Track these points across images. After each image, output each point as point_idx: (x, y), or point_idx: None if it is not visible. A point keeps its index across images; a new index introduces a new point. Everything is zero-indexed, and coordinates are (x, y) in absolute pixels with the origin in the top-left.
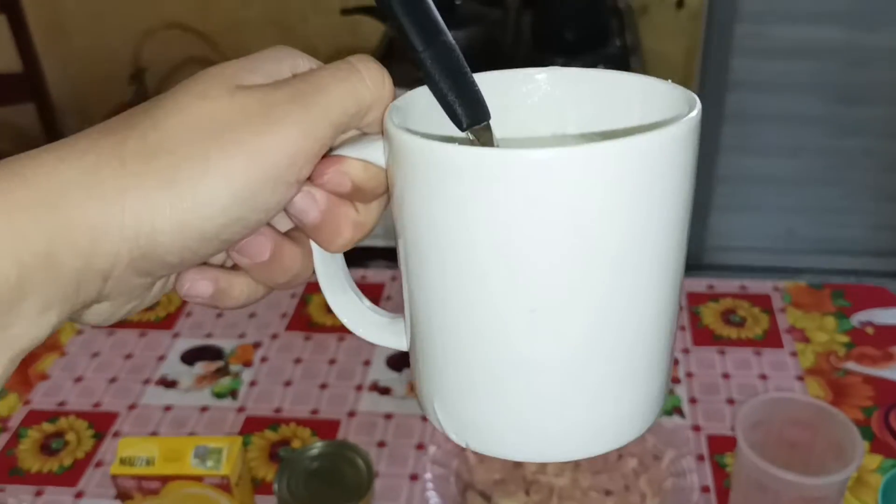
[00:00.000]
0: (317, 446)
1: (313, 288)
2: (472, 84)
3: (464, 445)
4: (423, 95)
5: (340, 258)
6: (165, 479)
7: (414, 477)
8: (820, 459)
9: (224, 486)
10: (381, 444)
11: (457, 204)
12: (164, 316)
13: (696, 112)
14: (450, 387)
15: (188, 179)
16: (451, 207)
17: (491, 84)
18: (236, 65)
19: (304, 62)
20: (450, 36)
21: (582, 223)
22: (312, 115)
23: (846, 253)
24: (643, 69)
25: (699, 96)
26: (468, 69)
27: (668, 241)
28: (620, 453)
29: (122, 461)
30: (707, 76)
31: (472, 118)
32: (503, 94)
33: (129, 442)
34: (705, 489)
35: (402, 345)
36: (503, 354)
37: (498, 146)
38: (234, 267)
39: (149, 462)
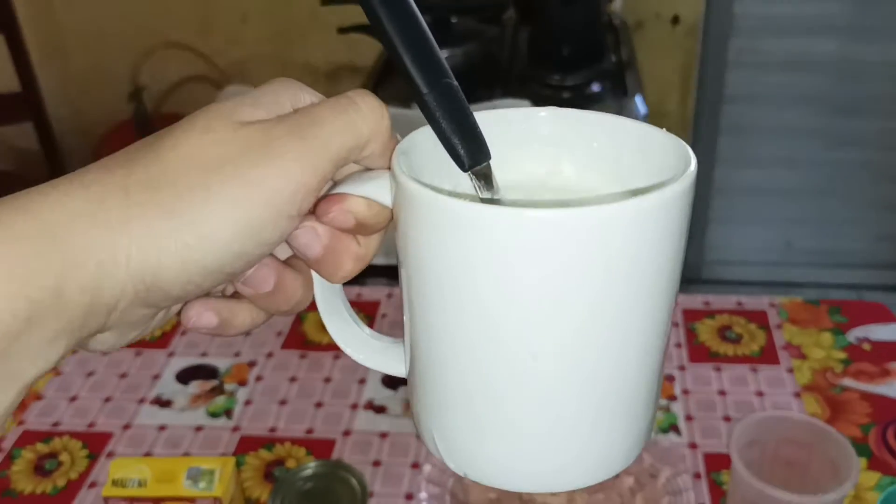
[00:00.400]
0: (310, 466)
1: (309, 306)
2: (474, 126)
3: (462, 475)
4: (426, 136)
5: (339, 286)
6: (158, 501)
7: (409, 496)
8: (816, 478)
9: None
10: (377, 464)
11: (463, 254)
12: (159, 335)
13: (691, 168)
14: (449, 419)
15: (189, 211)
16: (457, 256)
17: (492, 121)
18: (238, 101)
19: (305, 95)
20: (453, 78)
21: (584, 278)
22: (312, 148)
23: (846, 265)
24: (639, 84)
25: (696, 110)
26: (470, 111)
27: (662, 291)
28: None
29: (115, 483)
30: (703, 89)
31: (473, 160)
32: (504, 131)
33: (122, 463)
34: None
35: (401, 371)
36: (504, 393)
37: (497, 187)
38: (235, 294)
39: (141, 483)
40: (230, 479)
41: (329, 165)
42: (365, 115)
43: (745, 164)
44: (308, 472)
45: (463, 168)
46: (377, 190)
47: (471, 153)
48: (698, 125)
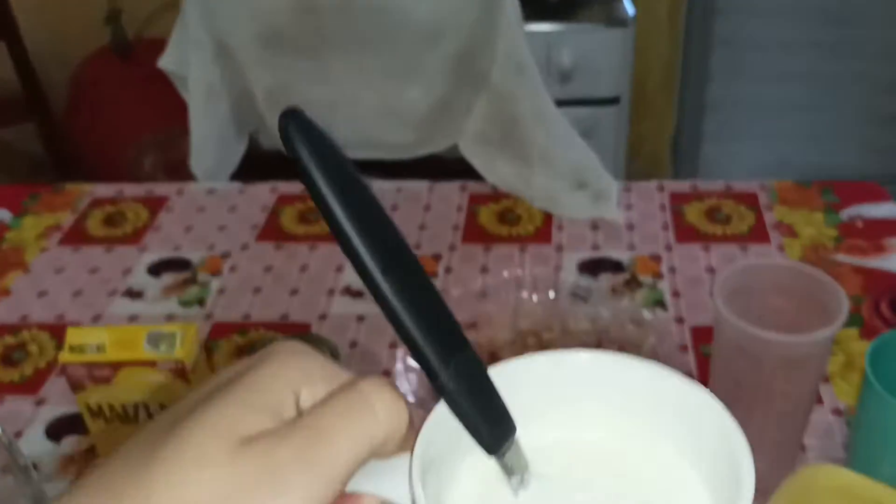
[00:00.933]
0: (278, 339)
1: (286, 200)
2: (496, 405)
3: None
4: (445, 417)
5: None
6: (117, 366)
7: (386, 373)
8: (804, 327)
9: (180, 371)
10: (353, 345)
11: None
12: (130, 231)
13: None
14: None
15: None
16: None
17: (523, 371)
18: (235, 404)
19: (313, 371)
20: (469, 347)
21: None
22: (321, 476)
23: (840, 179)
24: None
25: (686, 21)
26: (491, 384)
27: None
28: (600, 340)
29: (72, 349)
30: (695, 2)
31: (497, 443)
32: (535, 381)
33: (79, 331)
34: None
35: None
36: None
37: (524, 463)
38: None
39: (99, 349)
40: (193, 343)
41: (339, 486)
42: (381, 419)
43: (738, 78)
44: None
45: (488, 453)
46: (395, 489)
47: (494, 437)
48: (689, 37)
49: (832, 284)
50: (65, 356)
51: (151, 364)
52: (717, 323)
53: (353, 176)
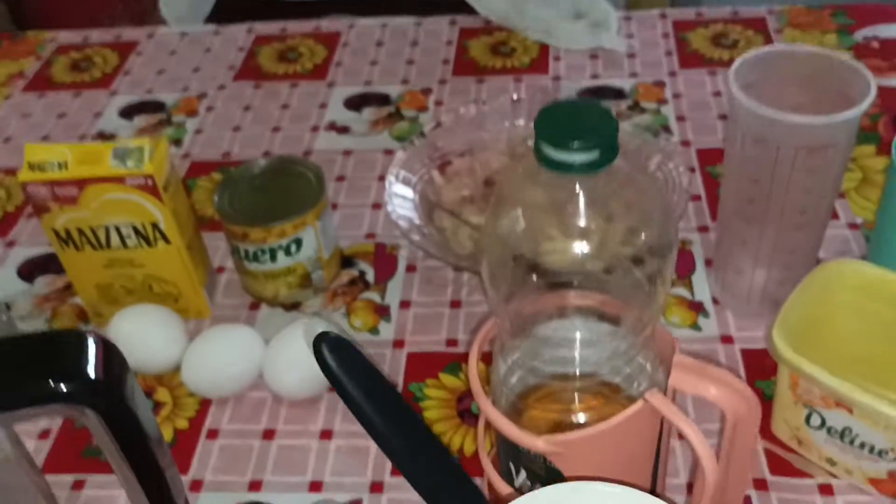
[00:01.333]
0: (261, 162)
1: (263, 40)
2: None
3: None
4: None
5: None
6: (82, 184)
7: (376, 206)
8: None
9: (150, 188)
10: (341, 179)
11: None
12: (99, 76)
13: None
14: None
15: None
16: None
17: None
18: None
19: None
20: None
21: None
22: None
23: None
24: None
25: None
26: None
27: None
28: None
29: (32, 167)
30: None
31: None
32: None
33: (38, 148)
34: (696, 198)
35: None
36: None
37: None
38: None
39: (62, 166)
40: (163, 158)
41: None
42: None
43: None
44: (258, 168)
45: None
46: None
47: None
48: None
49: (855, 67)
50: (24, 174)
51: (119, 181)
52: (732, 114)
53: (377, 381)
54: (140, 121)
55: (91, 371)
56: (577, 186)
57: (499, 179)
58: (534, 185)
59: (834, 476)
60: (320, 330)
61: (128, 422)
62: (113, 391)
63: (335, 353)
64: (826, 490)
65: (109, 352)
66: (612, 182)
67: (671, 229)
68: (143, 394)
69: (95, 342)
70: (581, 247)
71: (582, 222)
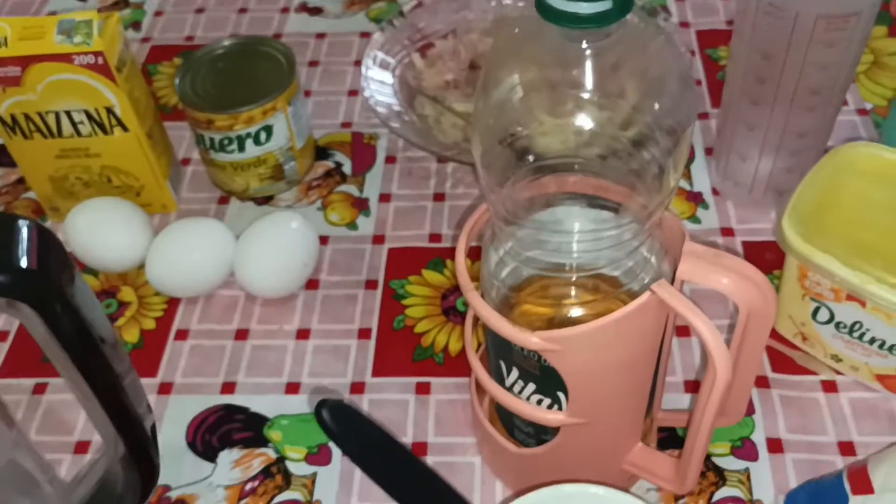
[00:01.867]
0: (225, 43)
1: None
2: None
3: None
4: None
5: None
6: (25, 63)
7: (353, 92)
8: None
9: (101, 67)
10: (314, 63)
11: None
12: None
13: None
14: None
15: None
16: None
17: None
18: None
19: None
20: None
21: None
22: None
23: None
24: None
25: None
26: None
27: None
28: None
29: None
30: None
31: None
32: None
33: None
34: (696, 83)
35: None
36: None
37: None
38: None
39: (0, 43)
40: (115, 34)
41: None
42: None
43: None
44: (223, 49)
45: None
46: None
47: None
48: None
49: None
50: None
51: (66, 59)
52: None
53: (377, 439)
54: (95, 1)
55: (23, 260)
56: (585, 44)
57: (493, 42)
58: (532, 47)
59: (839, 373)
60: (294, 226)
61: (70, 319)
62: (49, 283)
63: (334, 416)
64: (829, 387)
65: (46, 239)
66: (623, 43)
67: (689, 102)
68: (91, 291)
69: (29, 228)
70: (585, 122)
71: (588, 93)
